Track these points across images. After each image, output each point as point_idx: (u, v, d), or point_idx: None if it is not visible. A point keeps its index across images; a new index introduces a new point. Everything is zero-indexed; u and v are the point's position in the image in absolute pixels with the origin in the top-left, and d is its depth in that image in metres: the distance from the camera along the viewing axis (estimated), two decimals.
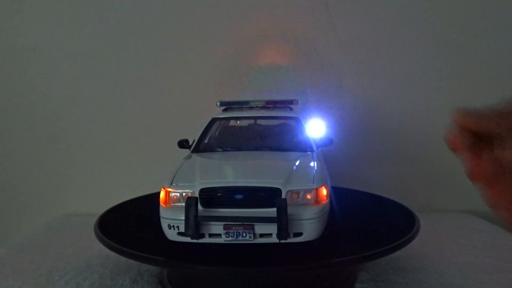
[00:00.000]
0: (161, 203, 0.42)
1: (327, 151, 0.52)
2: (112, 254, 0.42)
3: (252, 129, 0.55)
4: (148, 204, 0.49)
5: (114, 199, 0.57)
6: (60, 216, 0.80)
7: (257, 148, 0.51)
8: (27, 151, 0.81)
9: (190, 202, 0.38)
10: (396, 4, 0.77)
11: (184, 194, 0.41)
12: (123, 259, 0.51)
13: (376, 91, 0.78)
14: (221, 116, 0.55)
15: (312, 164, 0.45)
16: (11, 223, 0.83)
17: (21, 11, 0.77)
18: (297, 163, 0.45)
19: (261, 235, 0.39)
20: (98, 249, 0.45)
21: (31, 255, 0.59)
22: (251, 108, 0.56)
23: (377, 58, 0.78)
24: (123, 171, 0.81)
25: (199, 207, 0.39)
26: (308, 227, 0.39)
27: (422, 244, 0.51)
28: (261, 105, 0.56)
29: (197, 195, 0.40)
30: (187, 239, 0.40)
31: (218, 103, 0.56)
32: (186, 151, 0.53)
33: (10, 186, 0.82)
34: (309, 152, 0.49)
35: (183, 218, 0.39)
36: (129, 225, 0.52)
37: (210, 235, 0.40)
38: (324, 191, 0.42)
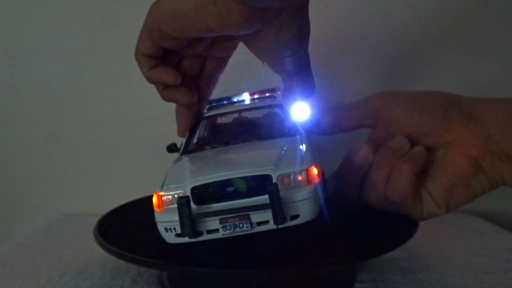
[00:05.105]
0: (155, 208, 0.41)
1: (326, 151, 0.52)
2: None
3: (238, 123, 0.55)
4: (148, 206, 0.49)
5: (114, 199, 0.57)
6: (60, 216, 0.80)
7: (244, 140, 0.50)
8: (26, 151, 0.81)
9: (182, 202, 0.38)
10: (397, 4, 0.77)
11: (176, 196, 0.40)
12: None
13: (376, 90, 0.78)
14: (205, 115, 0.55)
15: (300, 146, 0.44)
16: (11, 223, 0.83)
17: (21, 11, 0.77)
18: (285, 148, 0.44)
19: (258, 224, 0.39)
20: (98, 249, 0.45)
21: (31, 255, 0.59)
22: (235, 102, 0.55)
23: (377, 58, 0.78)
24: (123, 171, 0.81)
25: (193, 205, 0.39)
26: (303, 208, 0.39)
27: (422, 244, 0.51)
28: (244, 99, 0.55)
29: (189, 194, 0.40)
30: (186, 239, 0.39)
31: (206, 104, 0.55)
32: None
33: (10, 186, 0.82)
34: (296, 136, 0.48)
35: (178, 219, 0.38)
36: (128, 228, 0.52)
37: (208, 232, 0.39)
38: (314, 170, 0.41)
